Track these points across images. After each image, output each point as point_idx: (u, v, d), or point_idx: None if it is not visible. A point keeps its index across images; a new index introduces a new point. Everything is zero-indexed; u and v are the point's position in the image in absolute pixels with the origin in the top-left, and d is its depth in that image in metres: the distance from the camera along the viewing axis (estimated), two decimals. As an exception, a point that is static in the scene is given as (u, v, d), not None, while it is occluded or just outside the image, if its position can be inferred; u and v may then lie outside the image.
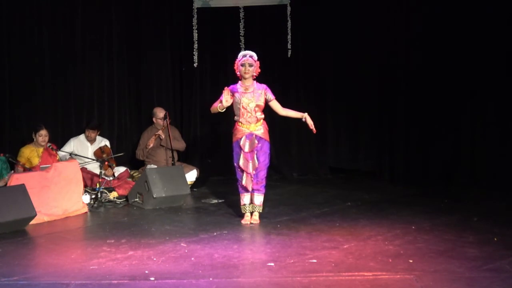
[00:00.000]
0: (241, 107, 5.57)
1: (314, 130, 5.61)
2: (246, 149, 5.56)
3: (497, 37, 6.99)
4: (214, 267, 4.25)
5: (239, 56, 5.70)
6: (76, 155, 7.06)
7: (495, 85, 7.08)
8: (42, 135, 6.84)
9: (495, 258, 4.32)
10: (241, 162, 5.59)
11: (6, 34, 7.47)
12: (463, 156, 7.34)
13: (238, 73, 5.66)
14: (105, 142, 7.43)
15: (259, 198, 5.68)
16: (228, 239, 5.04)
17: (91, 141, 7.38)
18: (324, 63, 8.58)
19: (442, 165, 7.46)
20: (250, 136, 5.57)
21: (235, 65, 5.68)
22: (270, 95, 5.65)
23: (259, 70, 5.67)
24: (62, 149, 7.26)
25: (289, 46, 8.39)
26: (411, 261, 4.31)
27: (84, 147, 7.34)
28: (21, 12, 7.56)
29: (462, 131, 7.36)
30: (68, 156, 7.07)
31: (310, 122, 5.60)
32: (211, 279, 3.98)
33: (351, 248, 4.69)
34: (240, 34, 8.51)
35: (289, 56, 8.51)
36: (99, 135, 7.49)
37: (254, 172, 5.58)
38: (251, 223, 5.63)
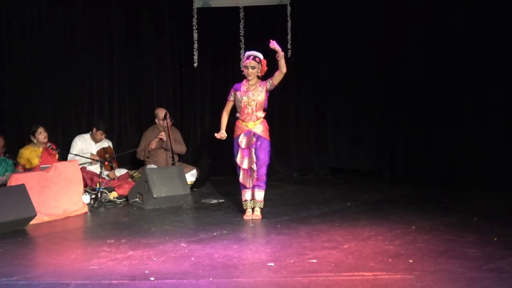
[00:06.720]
0: (242, 105, 5.71)
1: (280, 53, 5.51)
2: (243, 145, 5.72)
3: (497, 37, 6.97)
4: (214, 267, 4.25)
5: (244, 56, 5.84)
6: (77, 155, 7.06)
7: (495, 85, 7.07)
8: (42, 132, 6.85)
9: (495, 258, 4.32)
10: (237, 158, 5.75)
11: (6, 34, 7.48)
12: (463, 156, 7.32)
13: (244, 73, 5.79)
14: (108, 143, 7.45)
15: (260, 194, 5.81)
16: (228, 239, 5.04)
17: (96, 141, 7.38)
18: (324, 63, 8.58)
19: (442, 165, 7.45)
20: (249, 133, 5.73)
21: (242, 64, 5.85)
22: (269, 81, 5.68)
23: (266, 69, 5.79)
24: (70, 151, 7.22)
25: (289, 46, 8.36)
26: (411, 261, 4.31)
27: (89, 146, 7.34)
28: (21, 12, 7.55)
29: (462, 131, 7.34)
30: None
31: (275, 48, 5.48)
32: (211, 279, 3.98)
33: (351, 248, 4.69)
34: (240, 34, 8.49)
35: (289, 56, 8.49)
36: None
37: (254, 167, 5.69)
38: (253, 218, 5.73)
